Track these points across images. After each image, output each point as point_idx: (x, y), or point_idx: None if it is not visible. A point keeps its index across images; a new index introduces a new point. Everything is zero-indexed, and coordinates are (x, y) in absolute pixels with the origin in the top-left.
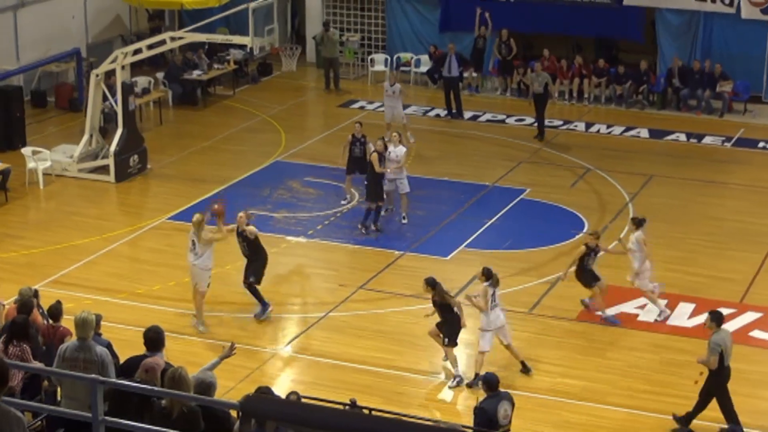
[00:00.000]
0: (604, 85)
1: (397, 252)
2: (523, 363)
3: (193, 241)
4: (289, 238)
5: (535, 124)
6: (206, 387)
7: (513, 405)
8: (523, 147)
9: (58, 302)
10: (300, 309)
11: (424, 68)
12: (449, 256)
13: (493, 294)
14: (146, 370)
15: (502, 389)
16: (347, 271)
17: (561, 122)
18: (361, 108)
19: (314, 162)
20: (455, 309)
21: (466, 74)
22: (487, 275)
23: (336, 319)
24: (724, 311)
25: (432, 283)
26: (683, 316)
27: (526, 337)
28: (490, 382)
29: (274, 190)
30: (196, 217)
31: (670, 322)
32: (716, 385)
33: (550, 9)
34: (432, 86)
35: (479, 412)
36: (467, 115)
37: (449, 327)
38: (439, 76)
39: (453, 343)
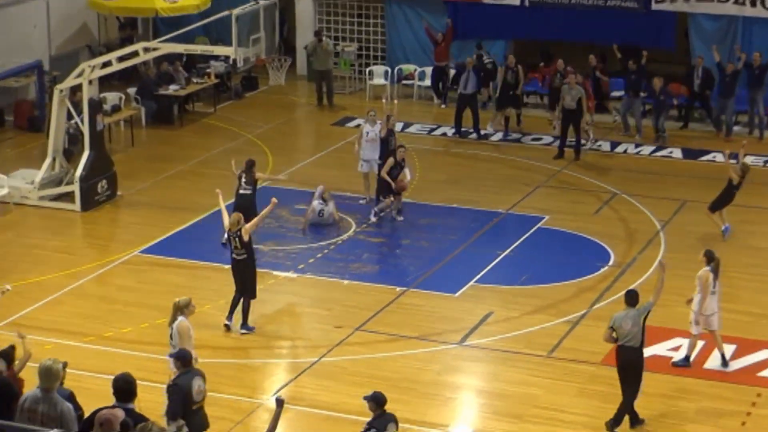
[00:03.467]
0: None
1: (398, 288)
2: (722, 356)
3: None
4: (277, 273)
5: (556, 143)
6: None
7: (205, 379)
8: (540, 169)
9: (11, 347)
10: (289, 353)
11: (428, 81)
12: (458, 293)
13: (714, 279)
14: (101, 423)
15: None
16: (342, 311)
17: (583, 141)
18: (358, 126)
19: (305, 187)
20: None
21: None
22: (709, 257)
23: (330, 365)
24: None
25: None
26: (720, 359)
27: (546, 383)
28: (184, 359)
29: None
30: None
31: (708, 365)
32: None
33: (569, 14)
34: (438, 103)
35: (173, 389)
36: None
37: None
38: (443, 91)
39: None
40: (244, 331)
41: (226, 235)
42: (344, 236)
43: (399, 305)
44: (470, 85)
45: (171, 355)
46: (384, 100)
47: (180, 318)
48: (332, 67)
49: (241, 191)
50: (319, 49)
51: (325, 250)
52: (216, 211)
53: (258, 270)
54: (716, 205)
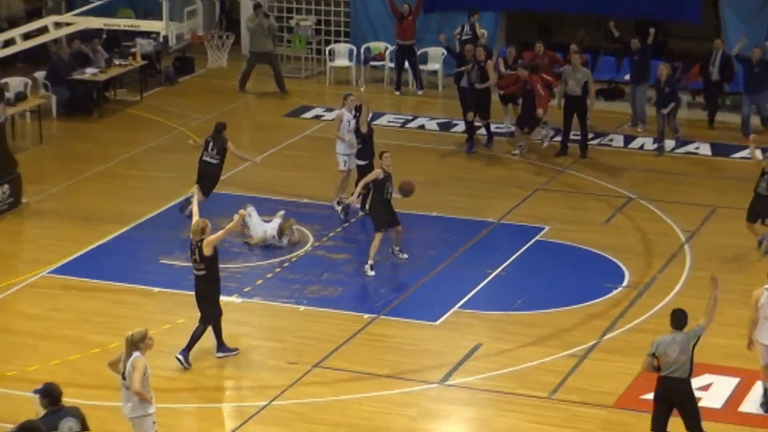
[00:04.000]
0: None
1: (366, 315)
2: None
3: None
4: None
5: (558, 138)
6: None
7: (81, 421)
8: (539, 169)
9: None
10: (233, 396)
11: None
12: (438, 321)
13: None
14: None
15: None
16: (298, 343)
17: (591, 135)
18: (317, 118)
19: (253, 192)
20: None
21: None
22: None
23: (283, 410)
24: None
25: None
26: (758, 400)
27: (547, 430)
28: (51, 395)
29: None
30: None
31: (743, 408)
32: None
33: None
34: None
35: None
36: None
37: None
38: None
39: None
40: (221, 354)
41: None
42: (300, 252)
43: (367, 336)
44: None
45: (36, 391)
46: (361, 86)
47: (135, 354)
48: (272, 49)
49: (205, 158)
50: (257, 26)
51: (277, 269)
52: (144, 222)
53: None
54: (754, 214)
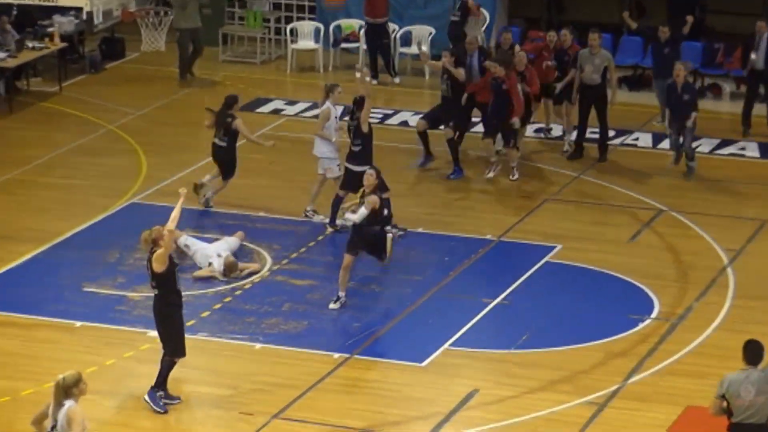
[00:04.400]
0: None
1: (336, 355)
2: None
3: None
4: (153, 333)
5: (572, 138)
6: None
7: None
8: (548, 174)
9: None
10: None
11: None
12: (426, 362)
13: None
14: None
15: None
16: (253, 389)
17: (613, 132)
18: (276, 112)
19: (195, 205)
20: None
21: None
22: None
23: None
24: None
25: None
26: None
27: None
28: None
29: (128, 252)
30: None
31: None
32: None
33: None
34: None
35: None
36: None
37: None
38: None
39: None
40: (148, 400)
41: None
42: (256, 277)
43: (338, 381)
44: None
45: None
46: (362, 71)
47: (68, 403)
48: (200, 25)
49: (215, 140)
50: None
51: (227, 298)
52: (64, 241)
53: (128, 329)
54: None
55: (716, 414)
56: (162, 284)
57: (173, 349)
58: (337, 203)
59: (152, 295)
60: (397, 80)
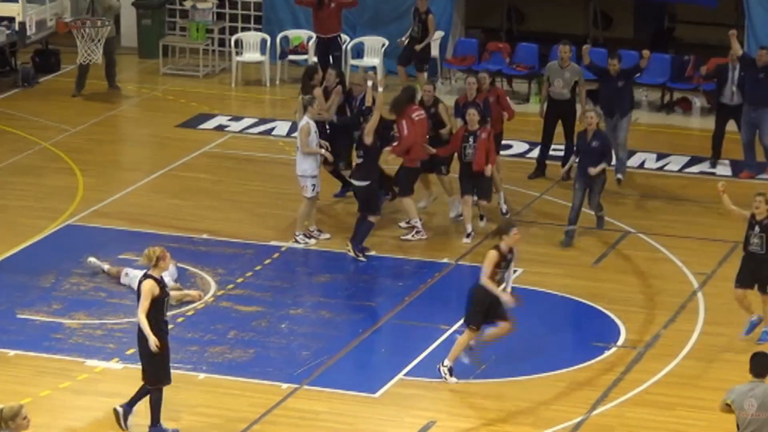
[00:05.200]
0: None
1: (284, 386)
2: None
3: None
4: (91, 362)
5: (534, 153)
6: None
7: None
8: (508, 194)
9: None
10: None
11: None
12: (379, 393)
13: None
14: None
15: None
16: (196, 422)
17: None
18: (220, 129)
19: (135, 227)
20: None
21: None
22: None
23: None
24: None
25: None
26: None
27: None
28: None
29: (64, 276)
30: None
31: None
32: None
33: None
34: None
35: None
36: None
37: None
38: None
39: None
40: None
41: None
42: (199, 304)
43: (287, 413)
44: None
45: None
46: (369, 81)
47: None
48: (114, 35)
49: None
50: (97, 3)
51: (170, 326)
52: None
53: (64, 357)
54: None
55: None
56: (154, 310)
57: (158, 377)
58: (365, 226)
59: (86, 321)
60: None
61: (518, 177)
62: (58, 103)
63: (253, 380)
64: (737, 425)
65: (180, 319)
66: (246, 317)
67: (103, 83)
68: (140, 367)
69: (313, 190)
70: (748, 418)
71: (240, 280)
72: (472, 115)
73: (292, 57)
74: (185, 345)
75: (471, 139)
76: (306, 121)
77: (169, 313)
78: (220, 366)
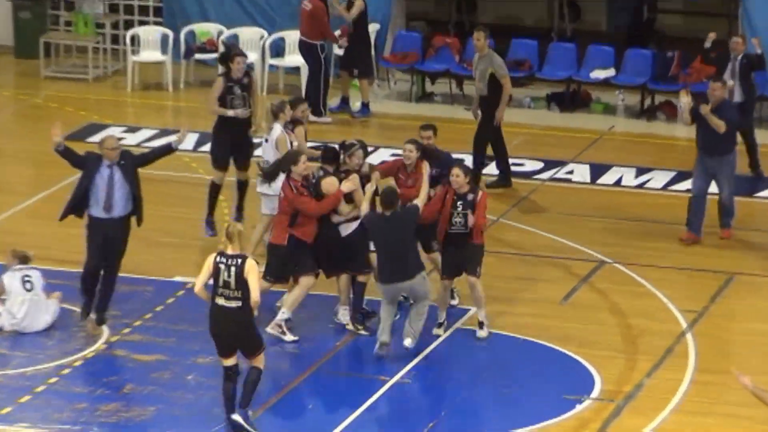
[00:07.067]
0: None
1: None
2: None
3: None
4: None
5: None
6: None
7: None
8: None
9: None
10: None
11: (253, 56)
12: None
13: None
14: None
15: None
16: None
17: (541, 164)
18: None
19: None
20: None
21: None
22: None
23: None
24: None
25: None
26: None
27: None
28: None
29: None
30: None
31: None
32: None
33: None
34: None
35: None
36: None
37: None
38: None
39: None
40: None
41: None
42: (89, 351)
43: None
44: None
45: None
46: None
47: None
48: None
49: None
50: None
51: (53, 379)
52: None
53: None
54: None
55: None
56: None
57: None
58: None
59: None
60: (327, 119)
61: None
62: None
63: None
64: None
65: (65, 371)
66: (145, 367)
67: None
68: (10, 428)
69: (264, 207)
70: None
71: (137, 323)
72: (458, 176)
73: (198, 56)
74: (72, 402)
75: (460, 206)
76: (280, 132)
77: (50, 364)
78: (114, 427)
